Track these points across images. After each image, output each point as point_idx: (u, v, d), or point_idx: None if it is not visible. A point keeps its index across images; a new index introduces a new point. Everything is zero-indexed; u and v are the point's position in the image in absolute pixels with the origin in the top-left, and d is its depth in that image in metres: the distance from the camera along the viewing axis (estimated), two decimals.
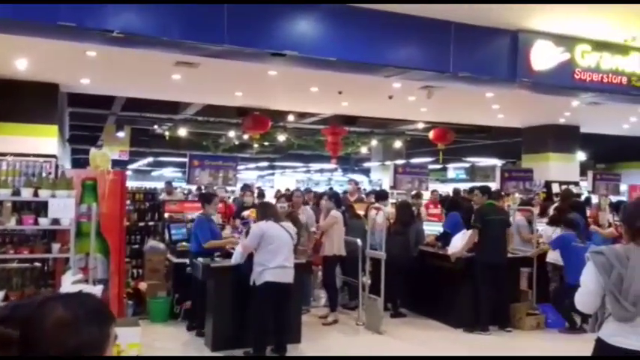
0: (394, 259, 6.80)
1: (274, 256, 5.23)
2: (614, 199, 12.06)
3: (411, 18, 6.36)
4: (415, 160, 19.86)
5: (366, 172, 23.79)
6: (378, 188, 15.42)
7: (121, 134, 14.24)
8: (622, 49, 7.27)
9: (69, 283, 3.63)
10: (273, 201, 7.89)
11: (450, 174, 25.05)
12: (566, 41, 6.99)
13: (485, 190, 7.38)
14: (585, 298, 2.67)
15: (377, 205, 7.52)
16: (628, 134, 16.60)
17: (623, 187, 16.04)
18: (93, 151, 6.15)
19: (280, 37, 5.85)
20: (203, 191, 9.06)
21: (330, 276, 7.11)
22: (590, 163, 18.38)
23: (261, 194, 12.31)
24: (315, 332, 6.51)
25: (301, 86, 9.94)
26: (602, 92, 7.65)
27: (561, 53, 6.97)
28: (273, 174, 32.00)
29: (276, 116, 13.39)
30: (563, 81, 7.09)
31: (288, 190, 9.76)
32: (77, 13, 5.02)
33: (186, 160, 8.63)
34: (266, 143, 17.37)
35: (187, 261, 6.40)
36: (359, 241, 6.97)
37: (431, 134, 14.78)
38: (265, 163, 27.32)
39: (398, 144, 17.93)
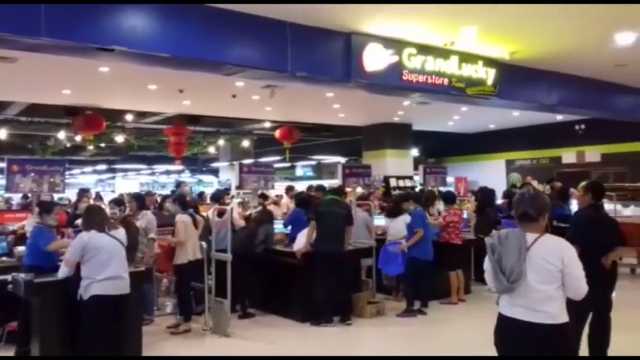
0: (237, 252, 6.70)
1: (103, 267, 4.84)
2: (443, 189, 13.21)
3: (249, 17, 6.35)
4: (264, 159, 19.99)
5: (215, 172, 23.41)
6: (224, 188, 15.23)
7: None
8: (443, 53, 7.94)
9: None
10: (106, 207, 7.32)
11: (298, 172, 25.64)
12: (395, 44, 7.46)
13: (319, 188, 7.63)
14: (487, 276, 3.04)
15: (220, 206, 7.39)
16: (453, 131, 18.37)
17: (450, 179, 17.67)
18: None
19: (108, 31, 5.46)
20: (42, 199, 8.17)
21: (185, 284, 6.76)
22: (422, 158, 19.96)
23: (100, 199, 11.50)
24: (159, 342, 6.21)
25: (138, 84, 9.46)
26: (427, 92, 8.30)
27: (390, 55, 7.43)
28: (114, 177, 30.09)
29: (112, 116, 12.60)
30: (392, 82, 7.56)
31: (121, 194, 9.17)
32: None
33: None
34: (102, 145, 16.26)
35: (9, 278, 5.70)
36: (203, 244, 6.79)
37: (277, 133, 14.95)
38: (104, 166, 25.60)
39: (246, 143, 17.90)
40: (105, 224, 5.01)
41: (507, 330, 2.94)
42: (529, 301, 2.83)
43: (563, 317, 2.84)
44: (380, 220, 8.60)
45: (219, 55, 6.29)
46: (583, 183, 4.90)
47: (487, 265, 3.01)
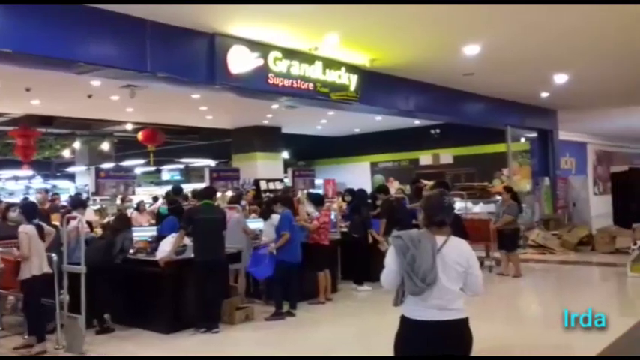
0: (94, 264, 6.25)
1: None
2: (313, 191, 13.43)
3: (103, 12, 5.98)
4: (126, 163, 18.99)
5: (72, 177, 21.73)
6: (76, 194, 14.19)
7: None
8: (308, 58, 8.09)
9: None
10: None
11: (165, 176, 24.67)
12: (260, 47, 7.45)
13: (195, 194, 7.39)
14: (389, 276, 3.01)
15: (74, 214, 6.83)
16: (321, 134, 18.85)
17: (319, 181, 18.08)
18: None
19: None
20: None
21: (32, 301, 6.11)
22: (292, 161, 20.22)
23: None
24: None
25: None
26: (293, 96, 8.41)
27: (256, 58, 7.40)
28: None
29: None
30: (258, 85, 7.55)
31: None
32: None
33: None
34: None
35: None
36: (54, 256, 6.23)
37: (140, 135, 14.26)
38: None
39: (106, 146, 16.83)
40: None
41: (421, 333, 2.97)
42: (442, 301, 2.92)
43: (466, 311, 3.02)
44: (258, 223, 8.55)
45: (70, 52, 5.85)
46: (430, 183, 5.26)
47: (393, 266, 2.98)
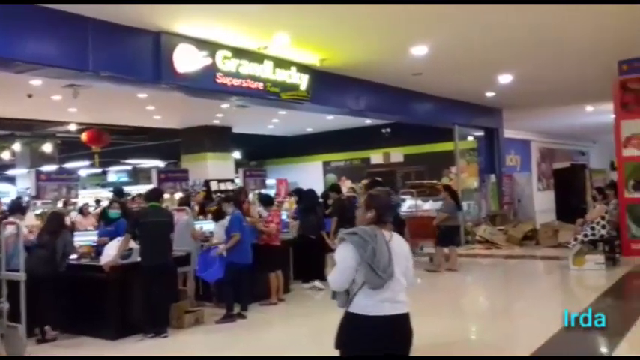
0: (37, 274, 5.99)
1: None
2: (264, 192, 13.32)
3: (42, 10, 5.75)
4: (70, 165, 18.35)
5: (12, 180, 20.81)
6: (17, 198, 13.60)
7: None
8: (258, 57, 8.01)
9: None
10: None
11: (112, 177, 24.01)
12: (208, 46, 7.33)
13: (145, 196, 7.19)
14: (345, 272, 2.97)
15: (12, 219, 6.52)
16: (273, 134, 18.76)
17: (272, 181, 18.03)
18: None
19: None
20: None
21: None
22: (244, 161, 20.04)
23: None
24: None
25: None
26: (242, 96, 8.32)
27: (204, 57, 7.27)
28: None
29: None
30: (206, 84, 7.42)
31: None
32: None
33: None
34: None
35: None
36: None
37: (84, 136, 13.80)
38: None
39: (48, 148, 16.19)
40: None
41: (372, 329, 2.96)
42: (393, 294, 2.97)
43: (409, 305, 3.08)
44: (209, 225, 8.41)
45: (6, 50, 5.60)
46: (364, 181, 5.28)
47: (351, 262, 2.95)
